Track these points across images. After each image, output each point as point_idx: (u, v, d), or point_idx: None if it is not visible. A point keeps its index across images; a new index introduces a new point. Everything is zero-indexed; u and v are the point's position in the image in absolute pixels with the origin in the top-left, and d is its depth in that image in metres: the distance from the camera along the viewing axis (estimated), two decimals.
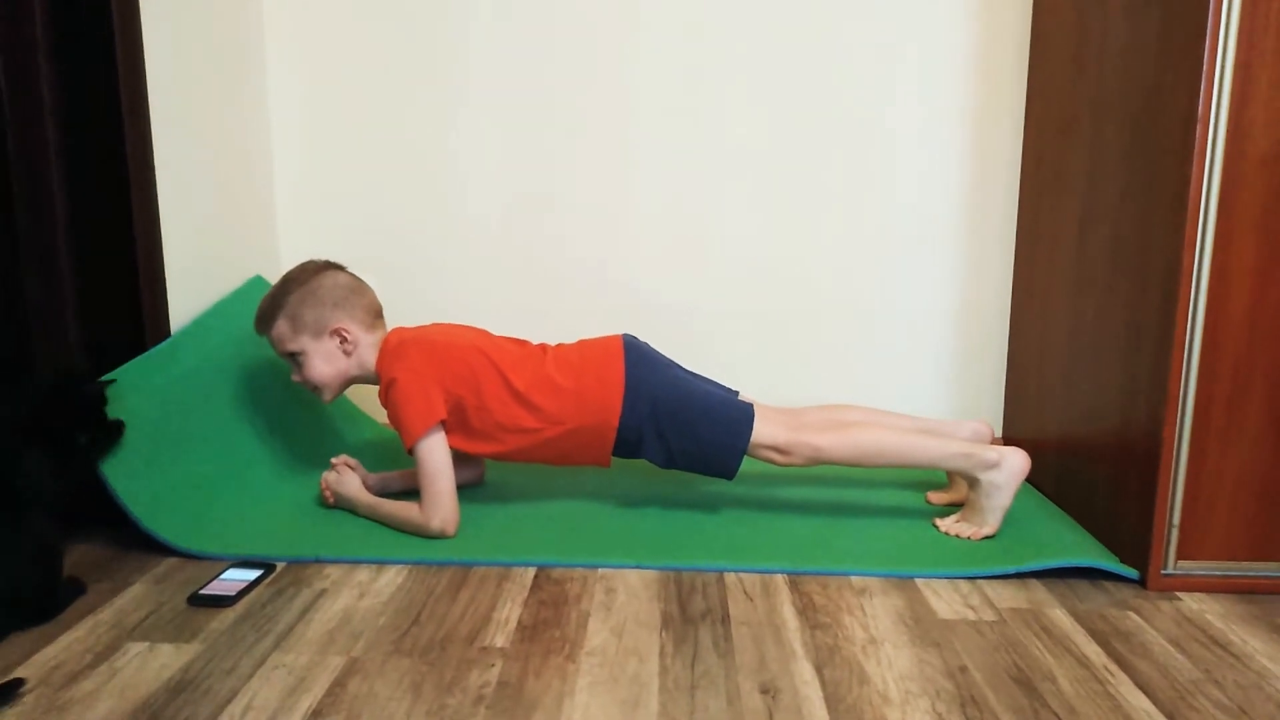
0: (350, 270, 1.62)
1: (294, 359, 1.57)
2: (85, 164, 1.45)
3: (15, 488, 1.20)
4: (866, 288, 1.99)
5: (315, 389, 1.59)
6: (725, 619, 1.25)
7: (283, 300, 1.55)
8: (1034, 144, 1.82)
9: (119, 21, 1.42)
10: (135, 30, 1.46)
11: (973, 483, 1.51)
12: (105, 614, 1.24)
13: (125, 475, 1.39)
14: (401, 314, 2.00)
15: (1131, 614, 1.29)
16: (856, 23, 1.90)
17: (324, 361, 1.56)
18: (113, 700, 1.04)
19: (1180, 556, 1.35)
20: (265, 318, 1.57)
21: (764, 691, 1.07)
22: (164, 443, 1.48)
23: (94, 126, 1.44)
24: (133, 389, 1.44)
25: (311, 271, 1.57)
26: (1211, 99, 1.24)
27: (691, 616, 1.25)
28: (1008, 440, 1.93)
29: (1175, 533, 1.34)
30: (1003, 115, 1.91)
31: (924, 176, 1.95)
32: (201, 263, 1.71)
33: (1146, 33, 1.37)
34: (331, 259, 1.63)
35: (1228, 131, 1.24)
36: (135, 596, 1.29)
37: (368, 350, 1.58)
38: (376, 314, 1.61)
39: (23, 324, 1.44)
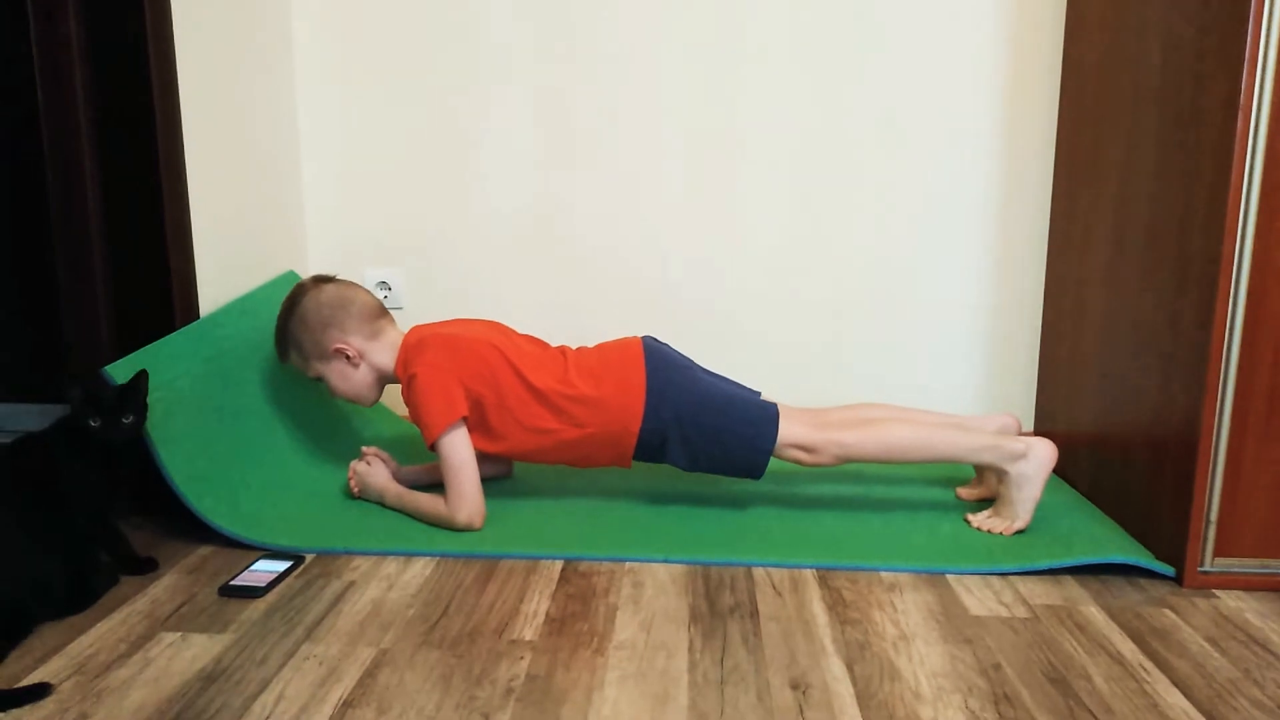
0: (339, 278, 1.61)
1: (320, 381, 1.61)
2: (118, 158, 1.46)
3: (57, 483, 1.21)
4: (896, 281, 1.97)
5: (353, 401, 1.62)
6: (754, 614, 1.24)
7: (284, 334, 1.58)
8: (1068, 133, 1.79)
9: (151, 18, 1.43)
10: (166, 26, 1.47)
11: (1001, 475, 1.49)
12: (139, 604, 1.25)
13: (171, 452, 1.40)
14: (428, 308, 2.00)
15: (1167, 611, 1.26)
16: (886, 11, 1.87)
17: (340, 380, 1.58)
18: (146, 689, 1.05)
19: (1218, 553, 1.33)
20: (280, 352, 1.61)
21: (794, 687, 1.07)
22: (203, 423, 1.49)
23: (126, 121, 1.45)
24: (167, 367, 1.45)
25: (299, 297, 1.57)
26: (1254, 85, 1.20)
27: (720, 611, 1.25)
28: (1040, 434, 1.90)
29: (1213, 529, 1.32)
30: (1036, 104, 1.88)
31: (955, 166, 1.92)
32: (230, 256, 1.72)
33: (1187, 18, 1.34)
34: (323, 272, 1.63)
35: (1270, 119, 1.21)
36: (168, 587, 1.31)
37: (378, 354, 1.58)
38: (374, 316, 1.59)
39: (55, 317, 1.46)
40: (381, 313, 1.61)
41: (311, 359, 1.57)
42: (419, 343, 1.55)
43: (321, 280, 1.60)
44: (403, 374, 1.54)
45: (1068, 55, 1.80)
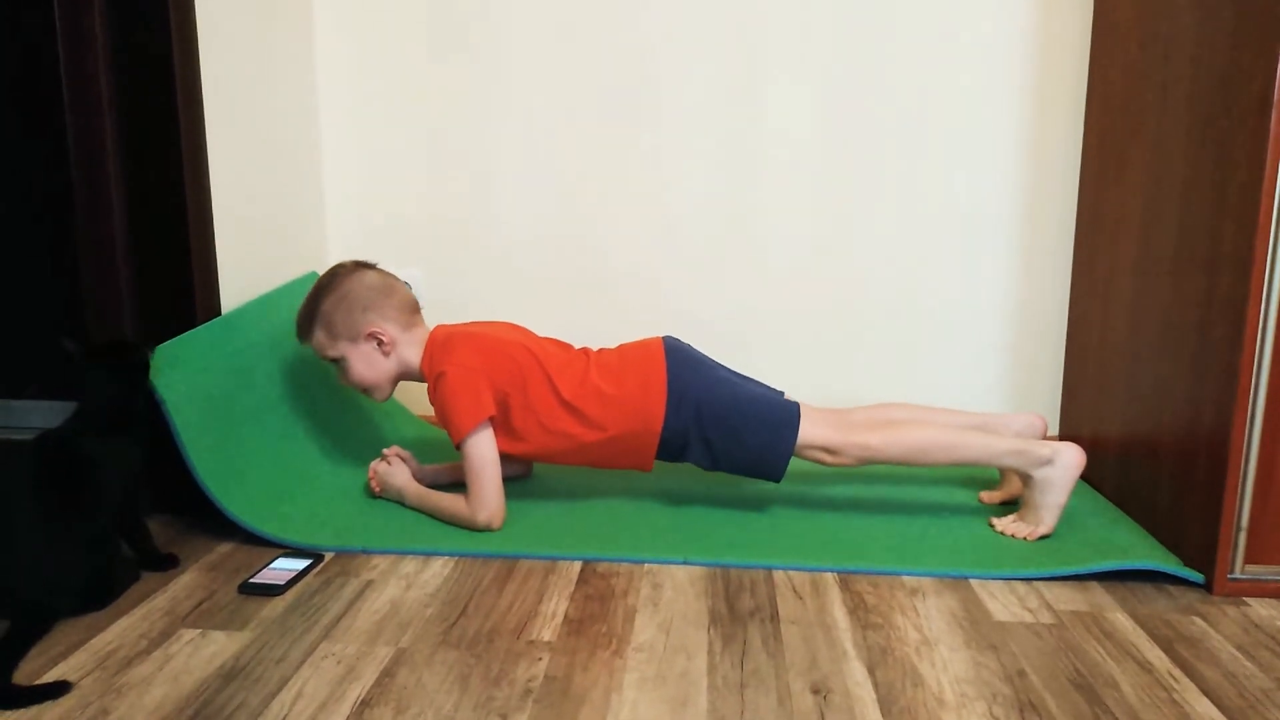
0: (380, 268, 1.61)
1: (337, 364, 1.58)
2: (141, 159, 1.47)
3: (80, 479, 1.22)
4: (920, 280, 1.95)
5: (364, 391, 1.60)
6: (774, 617, 1.23)
7: (316, 309, 1.55)
8: (1095, 130, 1.77)
9: (175, 16, 1.44)
10: (190, 25, 1.48)
11: (1026, 480, 1.47)
12: (159, 600, 1.26)
13: (194, 446, 1.40)
14: (447, 311, 2.00)
15: (1196, 619, 1.24)
16: (910, 10, 1.86)
17: (365, 365, 1.57)
18: (166, 686, 1.05)
19: (1248, 560, 1.30)
20: (302, 328, 1.58)
21: (815, 692, 1.05)
22: (222, 421, 1.50)
23: (150, 121, 1.46)
24: (188, 362, 1.46)
25: (341, 276, 1.56)
26: None
27: (740, 614, 1.24)
28: (1065, 437, 1.88)
29: (1243, 535, 1.29)
30: (1062, 100, 1.85)
31: (979, 165, 1.90)
32: (252, 256, 1.72)
33: (1219, 16, 1.32)
34: (366, 258, 1.62)
35: None
36: (187, 584, 1.31)
37: (407, 348, 1.57)
38: (411, 310, 1.59)
39: (79, 315, 1.48)
40: (417, 308, 1.61)
41: (341, 339, 1.55)
42: (446, 340, 1.55)
43: (363, 265, 1.59)
44: (429, 372, 1.54)
45: (1095, 56, 1.77)
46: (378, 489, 1.60)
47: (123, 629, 1.18)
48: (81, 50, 1.41)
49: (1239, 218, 1.25)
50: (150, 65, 1.44)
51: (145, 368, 1.33)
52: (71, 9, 1.40)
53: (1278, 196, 1.21)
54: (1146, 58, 1.54)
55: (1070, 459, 1.44)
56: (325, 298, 1.55)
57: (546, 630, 1.19)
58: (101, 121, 1.43)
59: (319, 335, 1.56)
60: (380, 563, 1.39)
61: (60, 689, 1.04)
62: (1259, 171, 1.21)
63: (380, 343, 1.56)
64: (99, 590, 1.24)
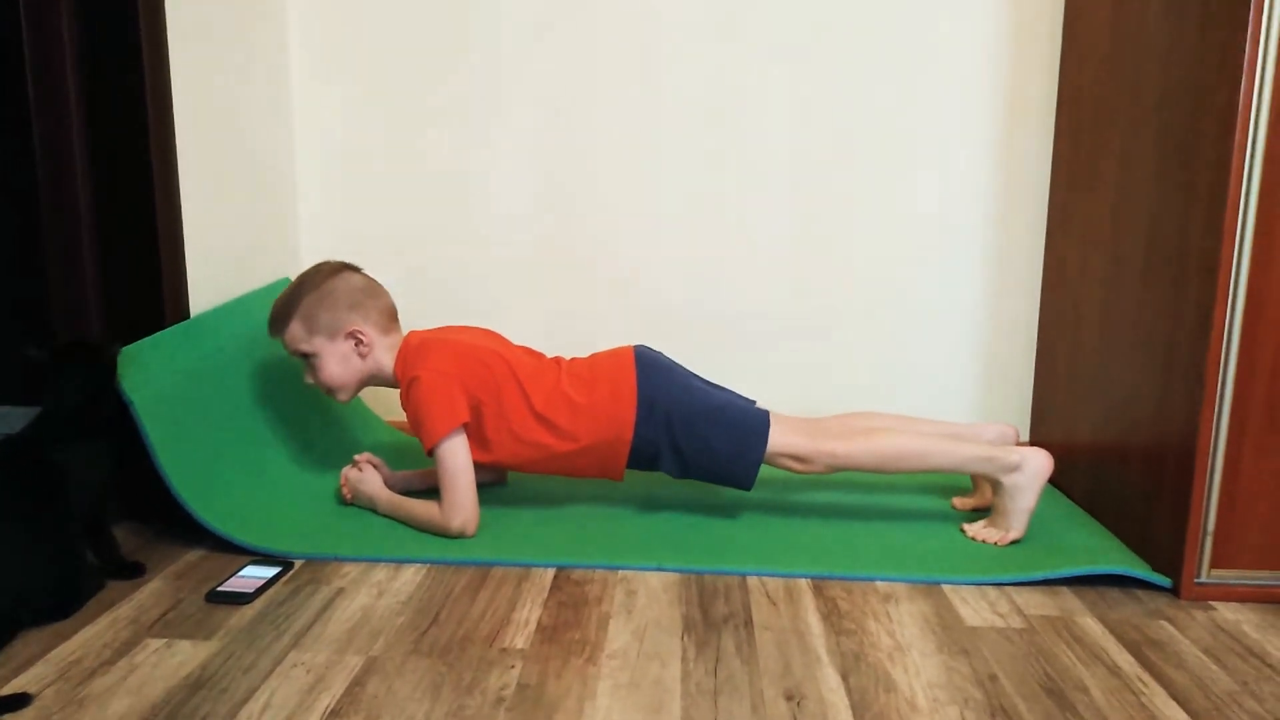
0: (365, 272, 1.60)
1: (308, 360, 1.56)
2: (110, 161, 1.45)
3: (43, 485, 1.19)
4: (892, 288, 1.97)
5: (330, 391, 1.57)
6: (748, 623, 1.23)
7: (297, 302, 1.53)
8: (1065, 139, 1.79)
9: (144, 18, 1.42)
10: (160, 27, 1.46)
11: (996, 486, 1.48)
12: (124, 609, 1.24)
13: (163, 448, 1.38)
14: (422, 317, 1.98)
15: (1164, 623, 1.25)
16: (884, 18, 1.87)
17: (338, 364, 1.55)
18: (130, 697, 1.03)
19: (1215, 565, 1.32)
20: (278, 319, 1.55)
21: (789, 698, 1.05)
22: (191, 425, 1.47)
23: (119, 124, 1.44)
24: (156, 363, 1.43)
25: (326, 273, 1.55)
26: (1253, 93, 1.20)
27: (714, 620, 1.24)
28: (1036, 443, 1.89)
29: (1209, 540, 1.31)
30: (1033, 110, 1.88)
31: (951, 174, 1.92)
32: (222, 261, 1.70)
33: (1186, 26, 1.34)
34: (347, 260, 1.61)
35: (1269, 126, 1.21)
36: (154, 592, 1.29)
37: (383, 352, 1.56)
38: (391, 316, 1.59)
39: (45, 319, 1.45)
40: (396, 317, 1.61)
41: (317, 334, 1.53)
42: (421, 345, 1.53)
43: (349, 267, 1.58)
44: (402, 376, 1.53)
45: (1065, 65, 1.80)
46: (349, 496, 1.59)
47: (86, 639, 1.16)
48: (49, 49, 1.39)
49: (1205, 226, 1.27)
50: (119, 64, 1.42)
51: (112, 368, 1.31)
52: (38, 7, 1.38)
53: (1243, 203, 1.23)
54: (1116, 67, 1.56)
55: (1038, 465, 1.45)
56: (308, 292, 1.53)
57: (519, 638, 1.18)
58: (69, 120, 1.41)
59: (295, 328, 1.54)
60: (351, 570, 1.37)
61: (21, 701, 1.01)
62: (1224, 178, 1.23)
63: (359, 343, 1.54)
64: (64, 599, 1.22)
